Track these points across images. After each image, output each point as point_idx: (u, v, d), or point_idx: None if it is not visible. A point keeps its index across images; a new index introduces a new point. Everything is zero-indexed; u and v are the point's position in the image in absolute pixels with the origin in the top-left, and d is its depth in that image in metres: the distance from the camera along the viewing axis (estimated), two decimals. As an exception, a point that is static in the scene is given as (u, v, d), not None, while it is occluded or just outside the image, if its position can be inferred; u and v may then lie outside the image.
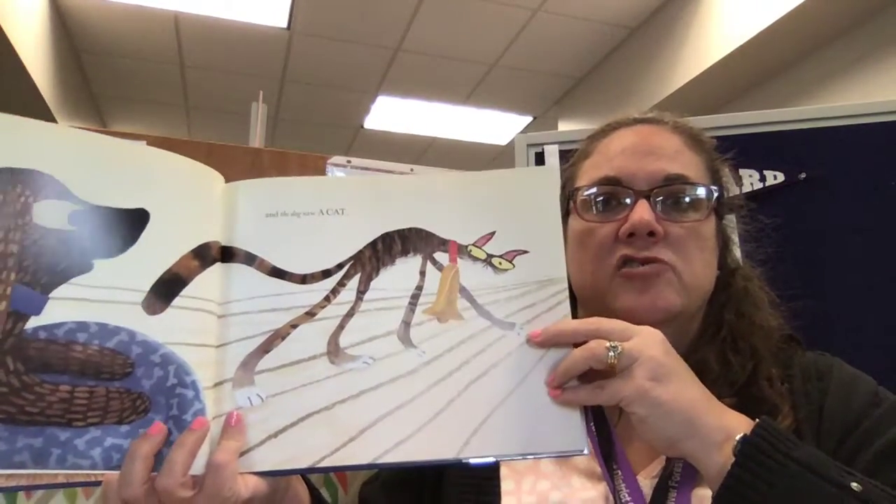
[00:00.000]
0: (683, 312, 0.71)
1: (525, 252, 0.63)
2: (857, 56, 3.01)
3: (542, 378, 0.59)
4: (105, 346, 0.52)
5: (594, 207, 0.74)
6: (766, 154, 1.25)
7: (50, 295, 0.52)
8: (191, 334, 0.56)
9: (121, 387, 0.52)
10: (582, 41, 4.13)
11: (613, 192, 0.73)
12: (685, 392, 0.56)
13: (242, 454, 0.56)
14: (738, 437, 0.54)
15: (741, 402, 0.65)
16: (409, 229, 0.64)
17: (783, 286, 0.79)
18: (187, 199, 0.59)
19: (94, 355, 0.52)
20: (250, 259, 0.61)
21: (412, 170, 1.28)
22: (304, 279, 0.61)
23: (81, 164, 0.55)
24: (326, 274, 0.61)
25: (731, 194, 0.80)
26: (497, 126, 5.27)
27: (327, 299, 0.61)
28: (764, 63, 3.33)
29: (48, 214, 0.52)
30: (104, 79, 4.67)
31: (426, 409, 0.58)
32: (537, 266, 0.63)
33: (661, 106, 0.79)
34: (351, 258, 0.62)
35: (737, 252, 0.82)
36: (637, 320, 0.69)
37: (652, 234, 0.69)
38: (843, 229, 1.19)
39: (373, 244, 0.63)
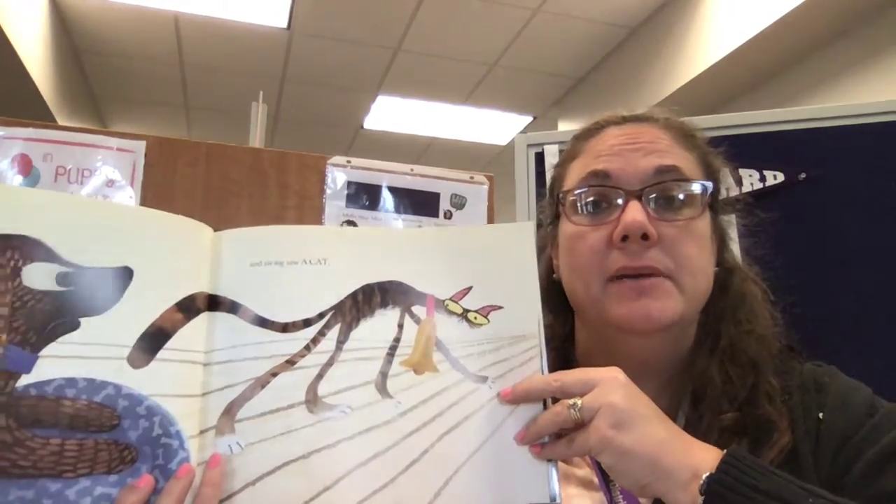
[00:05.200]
0: (683, 319, 0.69)
1: (500, 308, 0.65)
2: (857, 56, 3.01)
3: (512, 432, 0.61)
4: (93, 400, 0.55)
5: (584, 209, 0.71)
6: (766, 154, 1.24)
7: (39, 353, 0.54)
8: (175, 385, 0.58)
9: (109, 438, 0.55)
10: (582, 41, 4.13)
11: (603, 193, 0.70)
12: (649, 435, 0.56)
13: (222, 501, 0.57)
14: (704, 476, 0.53)
15: (742, 418, 0.65)
16: (389, 282, 0.65)
17: (783, 287, 0.78)
18: (173, 254, 0.61)
19: (83, 410, 0.54)
20: (235, 308, 0.62)
21: (412, 169, 1.28)
22: (285, 328, 0.62)
23: (68, 228, 0.58)
24: (307, 323, 0.63)
25: (727, 189, 0.79)
26: (497, 126, 5.27)
27: (307, 348, 0.62)
28: (764, 63, 3.33)
29: (37, 277, 0.55)
30: (104, 79, 4.67)
31: (400, 459, 0.59)
32: (511, 322, 0.64)
33: (661, 105, 0.78)
34: (332, 308, 0.63)
35: (736, 250, 0.81)
36: (632, 330, 0.68)
37: (646, 236, 0.66)
38: (843, 229, 1.19)
39: (353, 295, 0.64)
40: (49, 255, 0.56)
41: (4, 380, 0.53)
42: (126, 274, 0.58)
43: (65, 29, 4.02)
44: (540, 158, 1.42)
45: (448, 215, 1.27)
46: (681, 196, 0.69)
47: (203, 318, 0.61)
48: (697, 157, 0.74)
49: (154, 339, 0.58)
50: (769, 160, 1.24)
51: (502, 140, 5.42)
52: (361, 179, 1.23)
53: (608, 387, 0.58)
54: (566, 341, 0.80)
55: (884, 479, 0.58)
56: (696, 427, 0.66)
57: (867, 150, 1.21)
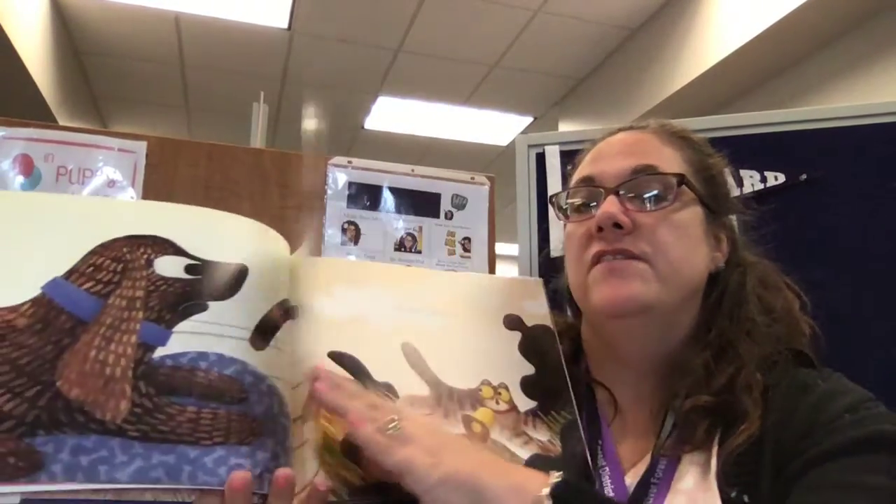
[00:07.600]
0: (662, 303, 0.70)
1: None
2: (857, 57, 3.01)
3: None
4: (223, 373, 0.59)
5: (571, 209, 0.78)
6: (767, 155, 1.24)
7: (173, 329, 0.59)
8: (282, 371, 0.63)
9: (239, 411, 0.58)
10: (582, 42, 4.13)
11: (586, 193, 0.75)
12: (466, 460, 0.55)
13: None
14: (544, 491, 0.52)
15: (716, 402, 0.66)
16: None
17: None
18: (270, 260, 0.69)
19: (215, 381, 0.58)
20: (307, 315, 0.70)
21: (413, 170, 1.28)
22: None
23: (191, 231, 0.66)
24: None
25: (727, 190, 0.79)
26: (498, 126, 5.27)
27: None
28: (764, 64, 3.34)
29: (168, 267, 0.63)
30: (104, 79, 4.67)
31: None
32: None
33: (662, 107, 0.79)
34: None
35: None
36: (609, 311, 0.70)
37: (619, 226, 0.69)
38: (844, 230, 1.19)
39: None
40: (177, 251, 0.64)
41: (142, 351, 0.57)
42: (243, 270, 0.65)
43: (65, 29, 4.03)
44: (541, 159, 1.42)
45: (449, 216, 1.28)
46: (654, 188, 0.72)
47: (289, 323, 0.67)
48: (688, 156, 0.76)
49: (268, 328, 0.63)
50: (770, 161, 1.24)
51: (503, 141, 5.42)
52: (362, 180, 1.23)
53: (413, 420, 0.59)
54: (579, 335, 0.83)
55: (826, 471, 0.58)
56: (675, 409, 0.68)
57: (868, 152, 1.21)
